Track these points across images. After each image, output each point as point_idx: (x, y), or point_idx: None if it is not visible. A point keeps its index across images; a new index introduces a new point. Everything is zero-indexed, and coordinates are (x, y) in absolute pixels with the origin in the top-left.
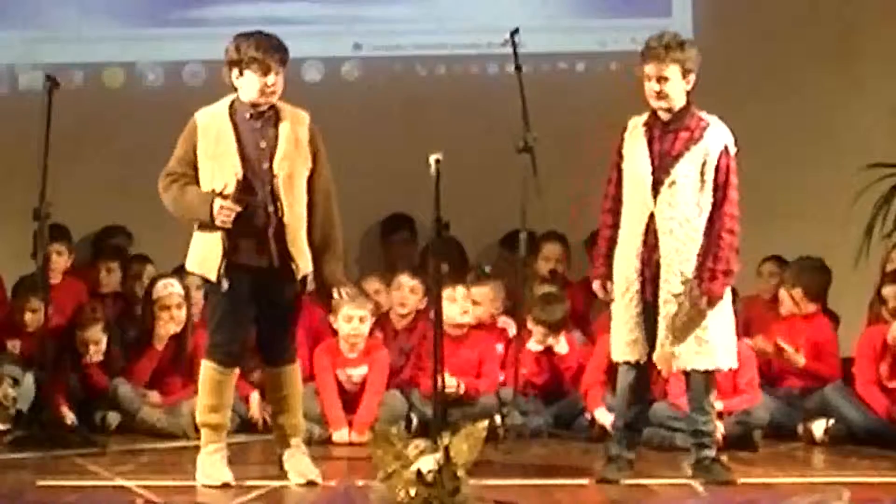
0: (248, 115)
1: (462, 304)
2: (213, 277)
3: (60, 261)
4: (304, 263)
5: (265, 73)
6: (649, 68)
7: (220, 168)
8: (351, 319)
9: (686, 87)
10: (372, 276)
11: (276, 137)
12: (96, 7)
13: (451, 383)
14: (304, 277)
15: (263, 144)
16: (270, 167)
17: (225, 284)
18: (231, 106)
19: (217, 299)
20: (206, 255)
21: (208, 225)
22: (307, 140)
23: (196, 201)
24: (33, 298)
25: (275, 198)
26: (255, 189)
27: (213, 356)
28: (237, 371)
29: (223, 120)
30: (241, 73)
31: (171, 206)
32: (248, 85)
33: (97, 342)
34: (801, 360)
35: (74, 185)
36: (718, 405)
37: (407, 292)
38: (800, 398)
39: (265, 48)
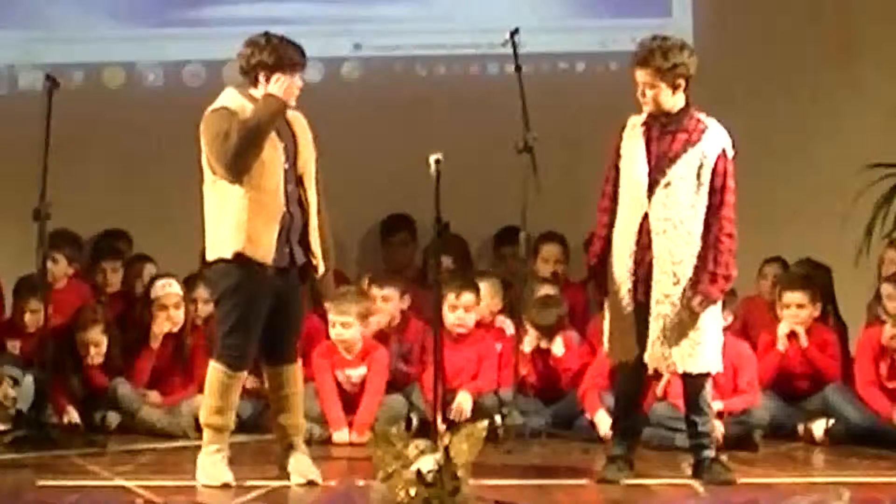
0: None
1: (458, 314)
2: (269, 261)
3: (57, 269)
4: (322, 263)
5: (299, 78)
6: (635, 74)
7: (261, 162)
8: (335, 325)
9: (673, 93)
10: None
11: (294, 137)
12: (96, 7)
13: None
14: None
15: (283, 144)
16: (292, 167)
17: (273, 268)
18: (247, 100)
19: (235, 301)
20: (255, 236)
21: (256, 210)
22: (312, 140)
23: (259, 107)
24: (33, 299)
25: (297, 197)
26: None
27: (222, 358)
28: (245, 374)
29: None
30: (270, 76)
31: (242, 136)
32: (281, 86)
33: (97, 344)
34: (804, 340)
35: (74, 186)
36: (718, 405)
37: (380, 302)
38: (800, 398)
39: (299, 51)
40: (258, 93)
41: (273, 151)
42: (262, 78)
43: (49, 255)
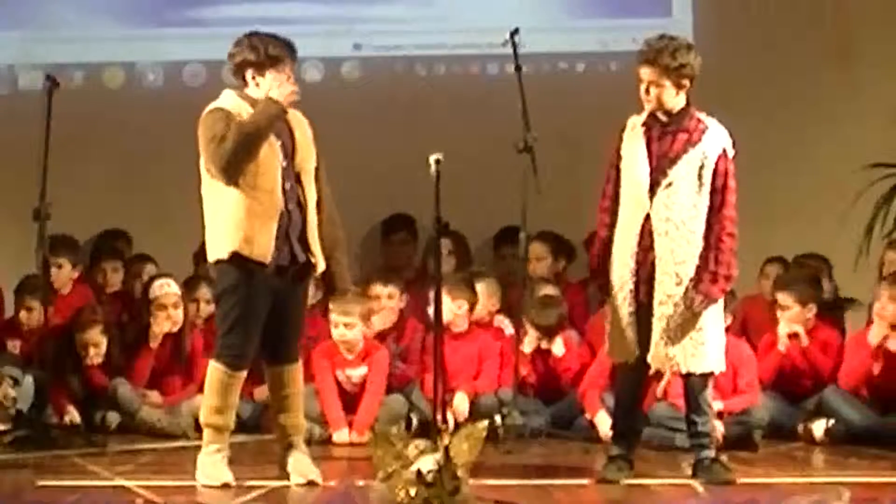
0: None
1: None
2: (267, 260)
3: (62, 274)
4: (321, 260)
5: (289, 71)
6: (640, 72)
7: (257, 161)
8: (337, 325)
9: (677, 92)
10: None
11: (291, 134)
12: (96, 7)
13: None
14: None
15: (280, 142)
16: (290, 164)
17: (272, 267)
18: (243, 100)
19: (234, 300)
20: (252, 236)
21: (252, 210)
22: (312, 137)
23: (257, 111)
24: (29, 297)
25: (295, 195)
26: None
27: (222, 358)
28: (244, 374)
29: (249, 111)
30: (259, 73)
31: (238, 142)
32: (283, 91)
33: (97, 344)
34: (805, 339)
35: (74, 186)
36: (718, 405)
37: (386, 300)
38: (800, 398)
39: (287, 47)
40: (253, 92)
41: (270, 150)
42: (248, 76)
43: (53, 262)
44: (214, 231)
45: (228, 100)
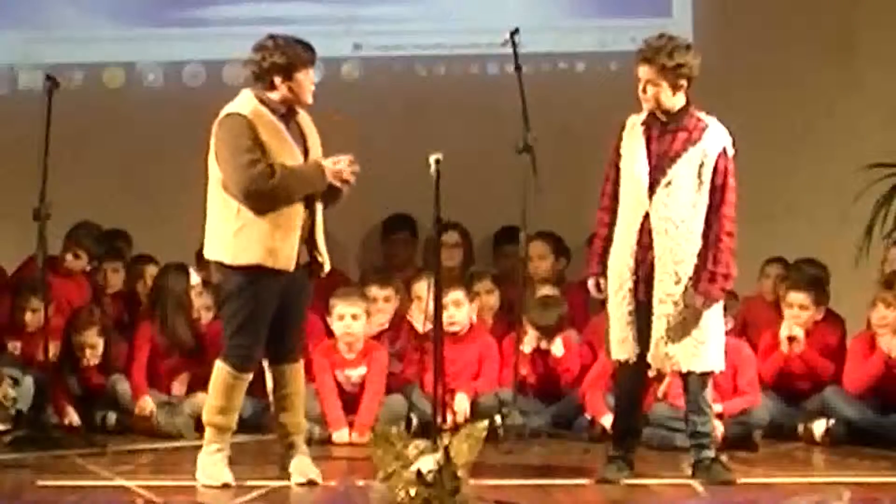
0: (280, 115)
1: (465, 308)
2: (291, 267)
3: (77, 265)
4: (328, 260)
5: (312, 75)
6: (638, 70)
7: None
8: (343, 317)
9: (674, 92)
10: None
11: (303, 136)
12: (96, 7)
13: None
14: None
15: (299, 148)
16: None
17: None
18: (262, 104)
19: (242, 301)
20: (276, 248)
21: (276, 222)
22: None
23: (308, 171)
24: (34, 298)
25: (304, 197)
26: None
27: (229, 359)
28: (250, 376)
29: (269, 117)
30: (289, 77)
31: (285, 187)
32: (302, 86)
33: (94, 346)
34: (802, 343)
35: (74, 186)
36: (718, 406)
37: (382, 303)
38: (800, 398)
39: (307, 47)
40: (275, 95)
41: (292, 160)
42: (277, 80)
43: (72, 250)
44: (227, 235)
45: (247, 103)
